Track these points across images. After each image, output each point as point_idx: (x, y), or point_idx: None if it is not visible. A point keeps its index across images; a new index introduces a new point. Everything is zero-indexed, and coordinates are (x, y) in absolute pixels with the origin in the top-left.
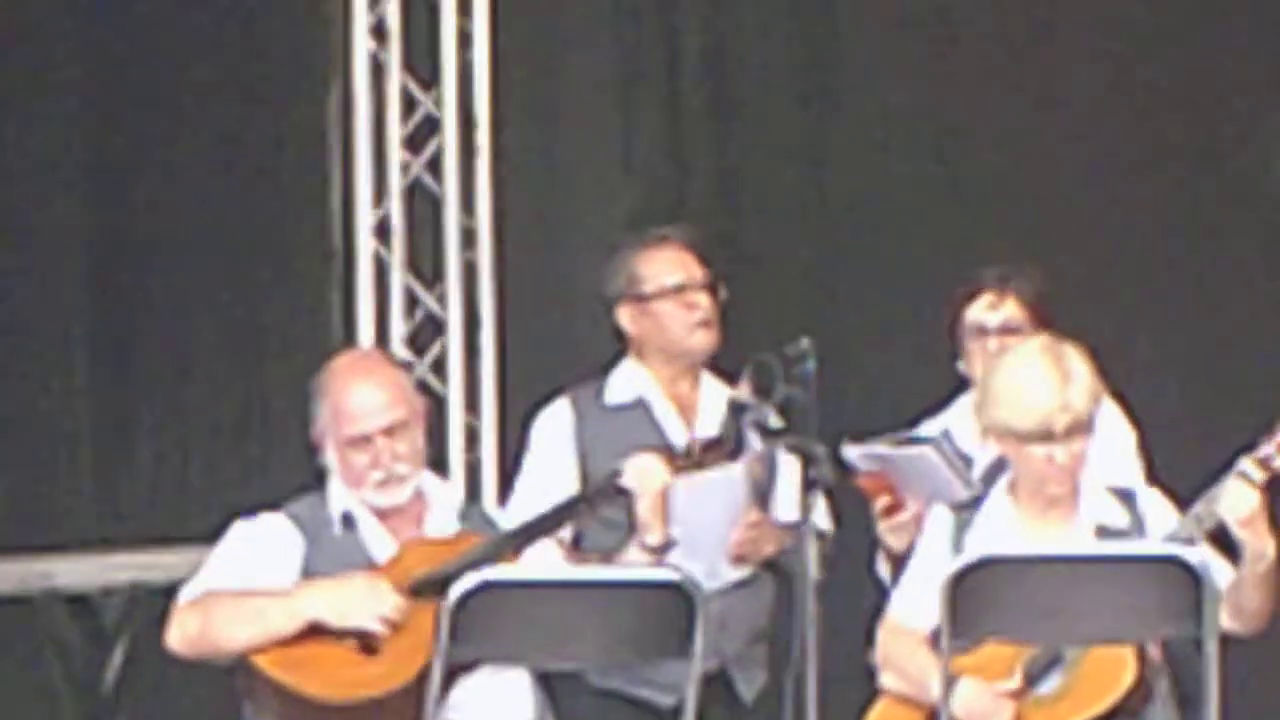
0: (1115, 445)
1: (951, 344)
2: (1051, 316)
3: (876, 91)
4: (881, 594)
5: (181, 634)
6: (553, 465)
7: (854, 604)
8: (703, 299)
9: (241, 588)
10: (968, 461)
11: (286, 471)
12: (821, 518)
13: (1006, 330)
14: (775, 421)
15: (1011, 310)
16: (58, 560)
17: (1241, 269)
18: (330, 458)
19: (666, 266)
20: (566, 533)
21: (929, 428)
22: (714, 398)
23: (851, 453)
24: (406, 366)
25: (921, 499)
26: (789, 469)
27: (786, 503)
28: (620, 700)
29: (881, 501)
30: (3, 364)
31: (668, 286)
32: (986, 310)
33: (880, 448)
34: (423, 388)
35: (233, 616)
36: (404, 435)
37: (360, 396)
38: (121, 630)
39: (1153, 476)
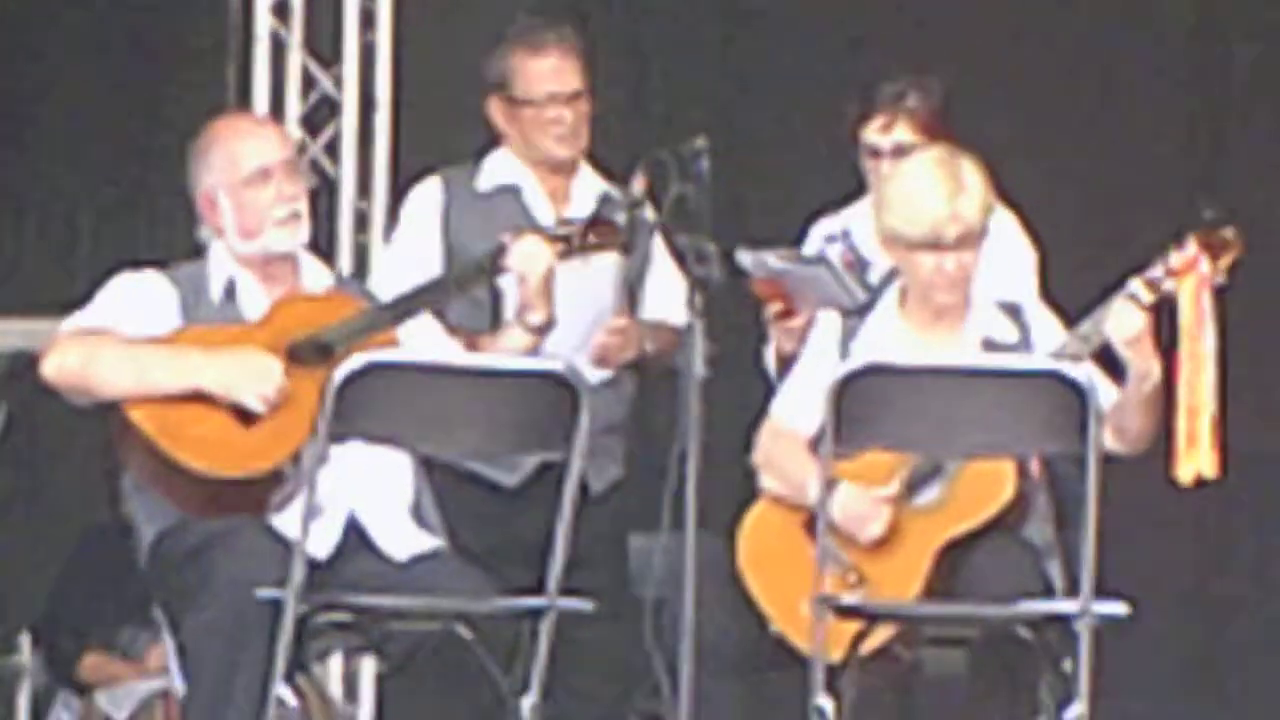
0: (1013, 261)
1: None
2: (947, 134)
3: None
4: (768, 389)
5: (61, 363)
6: (419, 242)
7: (740, 403)
8: (568, 113)
9: (125, 332)
10: (864, 265)
11: (174, 246)
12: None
13: (899, 152)
14: (651, 216)
15: (903, 133)
16: None
17: (1137, 87)
18: (224, 216)
19: (540, 75)
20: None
21: (829, 224)
22: (587, 188)
23: (746, 258)
24: (300, 148)
25: (814, 309)
26: (668, 268)
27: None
28: (463, 477)
29: (775, 307)
30: None
31: (534, 95)
32: (879, 132)
33: (774, 260)
34: (316, 168)
35: (117, 361)
36: (297, 176)
37: (256, 134)
38: (1, 397)
39: (1046, 295)
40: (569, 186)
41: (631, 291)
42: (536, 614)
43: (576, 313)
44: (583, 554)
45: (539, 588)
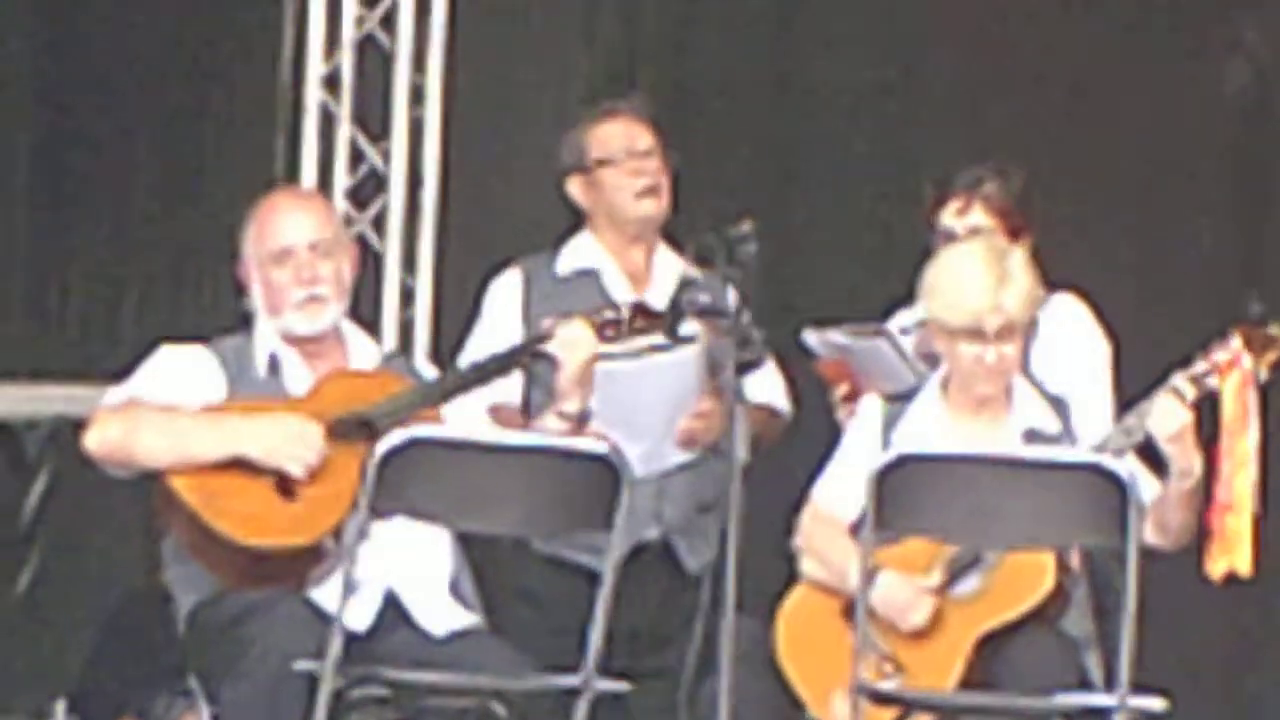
0: (1083, 354)
1: (931, 240)
2: (1024, 223)
3: None
4: None
5: (102, 437)
6: (498, 333)
7: (781, 486)
8: (648, 166)
9: (166, 404)
10: (938, 359)
11: (218, 315)
12: (780, 398)
13: (974, 236)
14: (721, 302)
15: (979, 217)
16: None
17: (1183, 179)
18: (254, 291)
19: (611, 136)
20: (516, 398)
21: (905, 316)
22: (667, 269)
23: (812, 338)
24: (347, 221)
25: (879, 388)
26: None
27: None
28: (562, 565)
29: (841, 389)
30: None
31: (611, 155)
32: (954, 216)
33: (838, 336)
34: (362, 243)
35: (157, 431)
36: (328, 257)
37: (286, 213)
38: (43, 461)
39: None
40: (649, 266)
41: (737, 366)
42: (573, 693)
43: (662, 397)
44: (673, 633)
45: (626, 671)
